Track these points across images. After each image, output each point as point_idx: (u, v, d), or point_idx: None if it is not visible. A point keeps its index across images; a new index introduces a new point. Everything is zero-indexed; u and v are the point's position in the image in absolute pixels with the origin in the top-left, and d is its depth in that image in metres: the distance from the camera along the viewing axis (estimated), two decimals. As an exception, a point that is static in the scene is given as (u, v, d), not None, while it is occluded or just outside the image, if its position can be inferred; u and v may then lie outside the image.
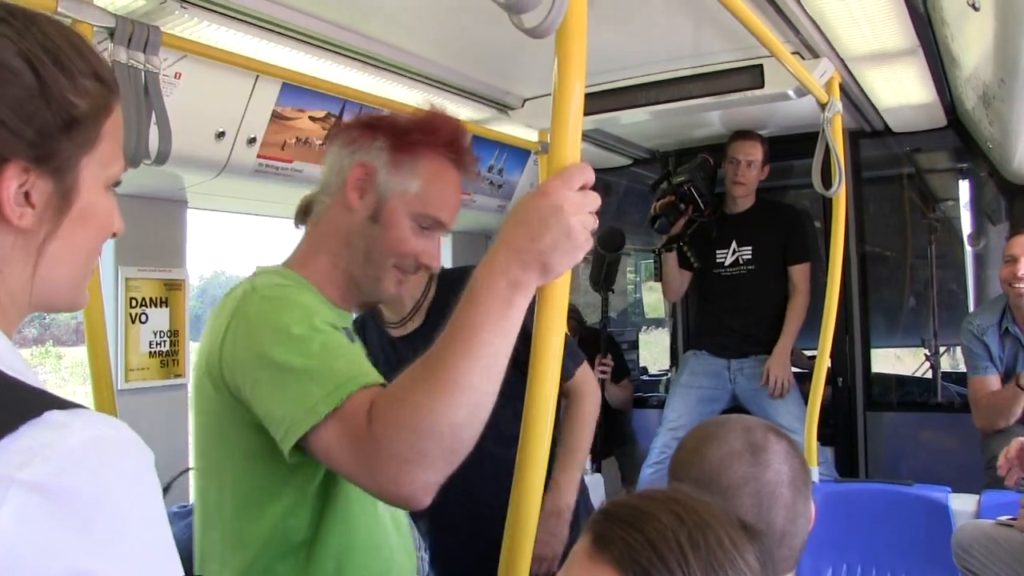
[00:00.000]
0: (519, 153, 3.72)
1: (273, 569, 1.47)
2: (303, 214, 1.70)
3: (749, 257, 3.97)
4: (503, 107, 3.32)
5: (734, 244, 3.98)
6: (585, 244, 1.19)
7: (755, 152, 3.89)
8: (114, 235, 0.99)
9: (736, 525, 0.99)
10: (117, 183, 0.97)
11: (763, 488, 1.29)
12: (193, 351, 3.22)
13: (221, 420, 1.48)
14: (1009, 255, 3.43)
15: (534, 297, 1.20)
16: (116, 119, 0.96)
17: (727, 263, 4.00)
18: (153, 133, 1.95)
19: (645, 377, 5.31)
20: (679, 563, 0.92)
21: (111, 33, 1.77)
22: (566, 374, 2.29)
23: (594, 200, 1.20)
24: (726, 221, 4.01)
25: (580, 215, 1.18)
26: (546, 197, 1.18)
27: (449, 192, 1.63)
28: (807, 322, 3.97)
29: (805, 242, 4.01)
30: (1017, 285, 3.38)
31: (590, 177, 1.20)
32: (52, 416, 0.71)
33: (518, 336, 1.23)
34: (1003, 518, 2.65)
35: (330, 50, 2.57)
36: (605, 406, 3.48)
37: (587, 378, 2.52)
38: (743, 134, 3.93)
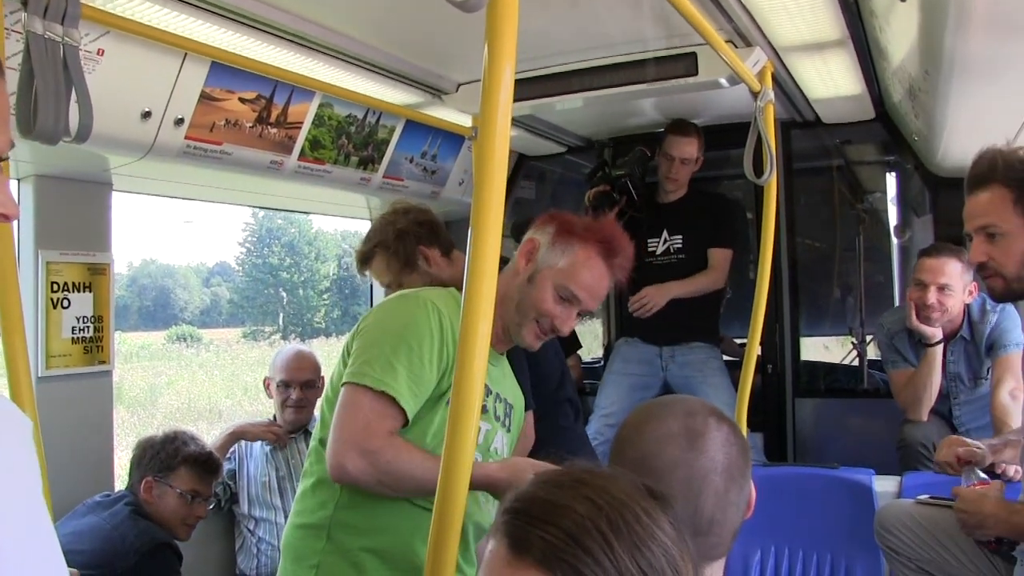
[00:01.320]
0: (453, 139, 3.70)
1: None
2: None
3: (680, 246, 4.00)
4: (437, 92, 3.29)
5: (665, 233, 4.00)
6: None
7: (690, 150, 3.90)
8: (5, 218, 0.94)
9: (645, 494, 0.99)
10: (3, 158, 0.91)
11: (694, 474, 1.29)
12: (119, 338, 3.14)
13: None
14: (919, 279, 3.47)
15: None
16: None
17: (659, 252, 4.02)
18: (73, 110, 1.89)
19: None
20: (604, 551, 0.91)
21: (24, 3, 1.70)
22: None
23: None
24: (659, 210, 4.03)
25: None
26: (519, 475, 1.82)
27: (591, 275, 2.09)
28: (738, 310, 4.02)
29: (731, 229, 4.04)
30: (925, 312, 3.45)
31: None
32: None
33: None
34: (923, 497, 2.72)
35: (261, 29, 2.51)
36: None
37: None
38: (680, 129, 3.92)
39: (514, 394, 2.30)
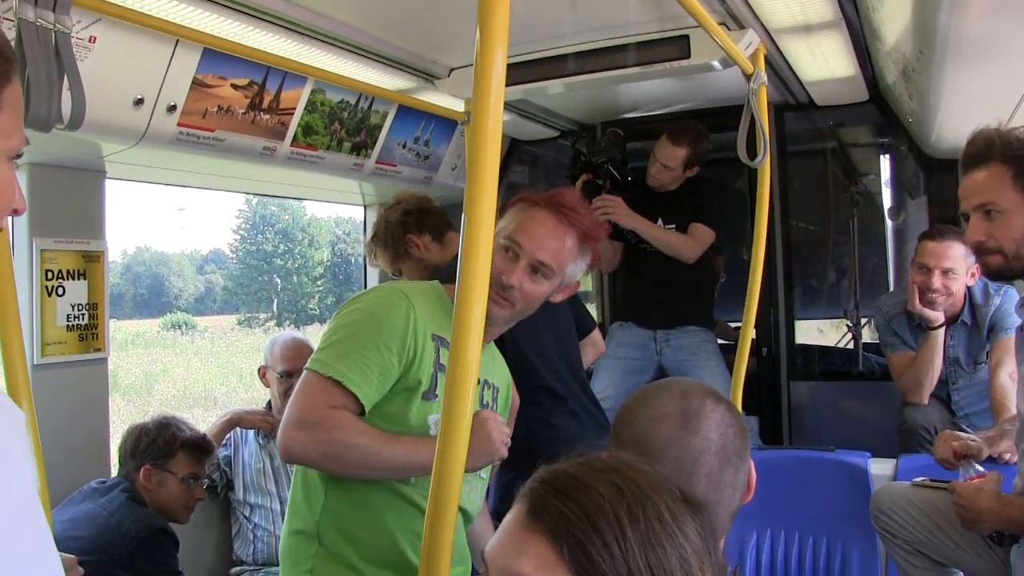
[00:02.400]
0: (446, 124, 3.69)
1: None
2: None
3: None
4: (429, 77, 3.28)
5: (660, 221, 3.98)
6: (500, 452, 1.93)
7: (673, 160, 3.85)
8: (15, 212, 0.94)
9: (677, 497, 0.97)
10: (19, 155, 0.91)
11: (686, 453, 1.29)
12: (113, 326, 3.14)
13: None
14: (922, 263, 3.47)
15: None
16: (14, 90, 0.91)
17: None
18: (66, 98, 1.88)
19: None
20: (616, 537, 0.90)
21: (16, -10, 1.69)
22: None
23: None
24: (654, 197, 4.02)
25: (502, 435, 1.92)
26: (484, 423, 1.88)
27: (532, 223, 2.05)
28: (732, 295, 4.02)
29: (717, 213, 3.98)
30: (930, 295, 3.45)
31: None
32: None
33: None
34: (919, 479, 2.73)
35: (253, 15, 2.50)
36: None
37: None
38: (672, 134, 3.86)
39: (502, 377, 2.30)
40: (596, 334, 3.36)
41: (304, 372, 1.96)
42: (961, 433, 2.76)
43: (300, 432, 1.88)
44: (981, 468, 2.56)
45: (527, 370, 2.77)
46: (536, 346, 2.87)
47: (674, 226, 3.97)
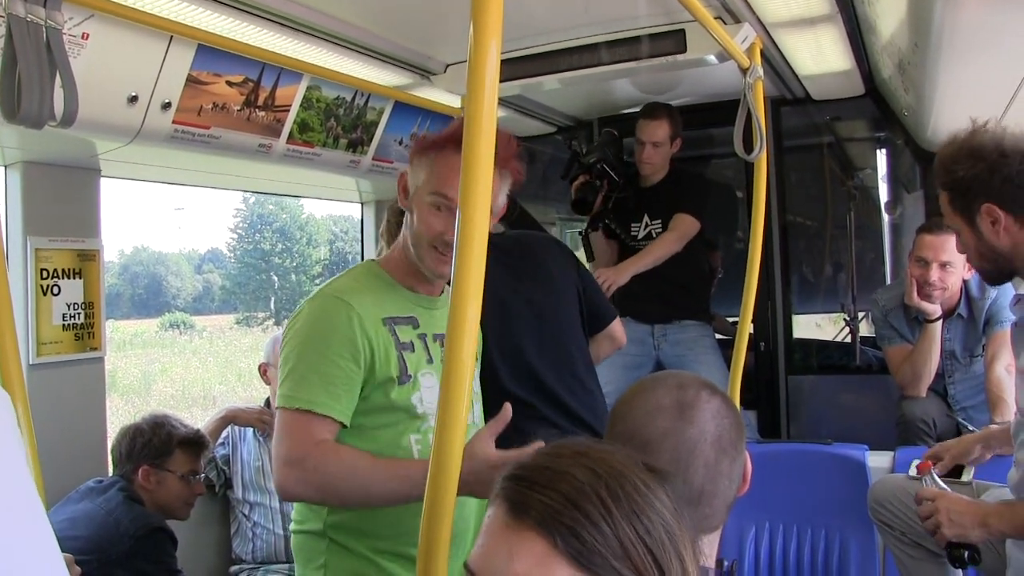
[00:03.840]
0: (442, 120, 3.67)
1: None
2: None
3: (660, 231, 3.97)
4: (425, 73, 3.27)
5: (647, 218, 3.99)
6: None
7: (659, 133, 3.86)
8: None
9: (643, 468, 1.00)
10: None
11: (683, 444, 1.29)
12: (111, 326, 3.14)
13: None
14: (920, 256, 3.46)
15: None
16: None
17: (640, 236, 4.01)
18: (59, 95, 1.87)
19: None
20: (603, 516, 0.92)
21: (6, -16, 1.69)
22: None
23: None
24: (640, 194, 4.02)
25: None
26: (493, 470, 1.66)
27: (453, 171, 1.79)
28: (729, 289, 4.02)
29: (694, 199, 3.96)
30: (927, 289, 3.45)
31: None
32: None
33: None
34: (915, 471, 2.73)
35: (247, 11, 2.50)
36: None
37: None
38: (648, 112, 3.89)
39: None
40: (615, 326, 3.01)
41: (277, 412, 1.96)
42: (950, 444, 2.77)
43: (290, 469, 1.88)
44: (944, 485, 2.47)
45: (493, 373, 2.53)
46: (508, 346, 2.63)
47: (660, 222, 3.96)
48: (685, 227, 3.88)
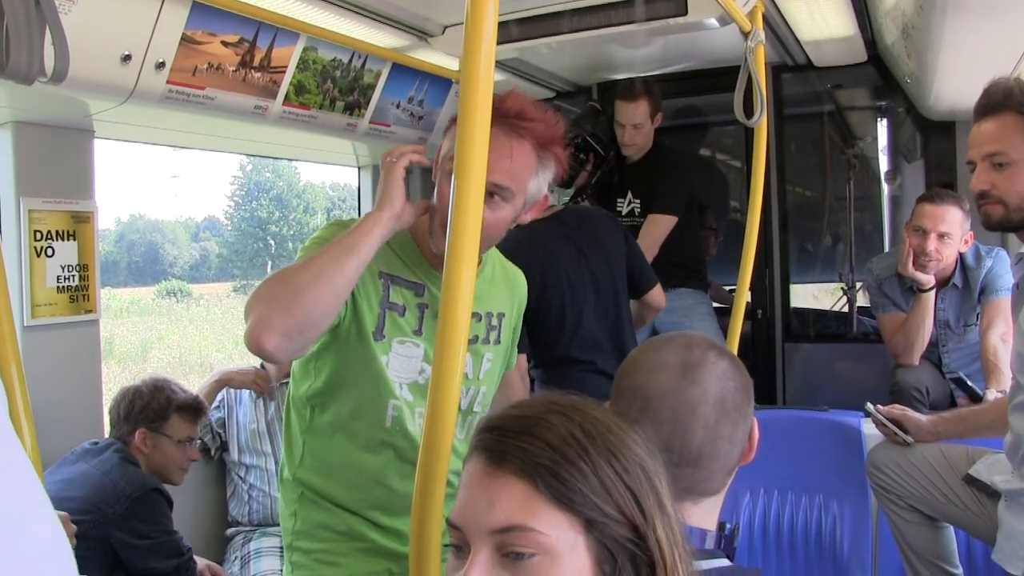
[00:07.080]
0: (441, 83, 3.64)
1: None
2: None
3: (640, 210, 3.96)
4: (423, 34, 3.23)
5: (630, 195, 3.98)
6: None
7: (639, 114, 3.82)
8: None
9: (611, 412, 1.04)
10: None
11: (683, 403, 1.27)
12: (108, 294, 3.12)
13: None
14: (918, 225, 3.43)
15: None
16: None
17: (624, 212, 3.99)
18: (50, 52, 1.84)
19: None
20: (581, 456, 0.94)
21: (-8, -64, 1.65)
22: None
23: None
24: (625, 171, 4.00)
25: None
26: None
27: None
28: (727, 258, 4.00)
29: (668, 195, 3.90)
30: (923, 259, 3.43)
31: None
32: None
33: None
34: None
35: (241, -31, 2.47)
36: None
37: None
38: (626, 94, 3.83)
39: (502, 300, 2.13)
40: (655, 293, 3.26)
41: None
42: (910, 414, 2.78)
43: (256, 301, 1.68)
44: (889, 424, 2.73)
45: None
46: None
47: (639, 202, 3.95)
48: (657, 230, 3.83)
